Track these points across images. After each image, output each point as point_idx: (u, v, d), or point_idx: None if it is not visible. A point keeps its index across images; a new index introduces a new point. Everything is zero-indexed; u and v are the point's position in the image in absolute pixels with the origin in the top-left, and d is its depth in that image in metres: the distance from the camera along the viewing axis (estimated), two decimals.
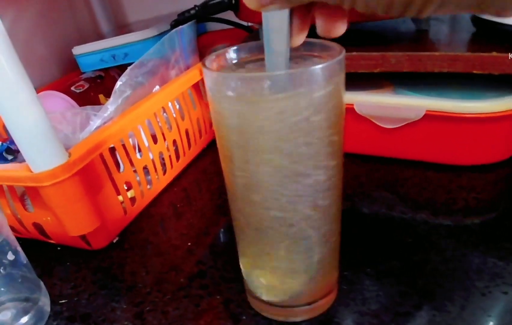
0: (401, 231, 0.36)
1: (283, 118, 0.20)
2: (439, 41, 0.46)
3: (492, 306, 0.28)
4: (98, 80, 0.66)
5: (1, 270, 0.29)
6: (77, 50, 0.67)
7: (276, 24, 0.20)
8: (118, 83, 0.40)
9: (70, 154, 0.33)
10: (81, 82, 0.64)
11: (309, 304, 0.29)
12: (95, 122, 0.38)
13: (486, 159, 0.42)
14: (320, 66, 0.20)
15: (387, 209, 0.39)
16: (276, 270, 0.27)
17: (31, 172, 0.33)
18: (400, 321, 0.28)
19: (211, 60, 0.24)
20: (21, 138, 0.31)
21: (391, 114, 0.42)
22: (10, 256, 0.29)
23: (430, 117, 0.41)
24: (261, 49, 0.22)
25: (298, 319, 0.29)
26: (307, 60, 0.24)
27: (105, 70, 0.68)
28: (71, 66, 0.71)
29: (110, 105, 0.39)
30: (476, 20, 0.44)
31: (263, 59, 0.22)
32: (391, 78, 0.46)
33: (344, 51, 0.22)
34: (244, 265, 0.30)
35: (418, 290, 0.30)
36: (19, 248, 0.31)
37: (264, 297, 0.29)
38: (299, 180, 0.22)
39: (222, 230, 0.40)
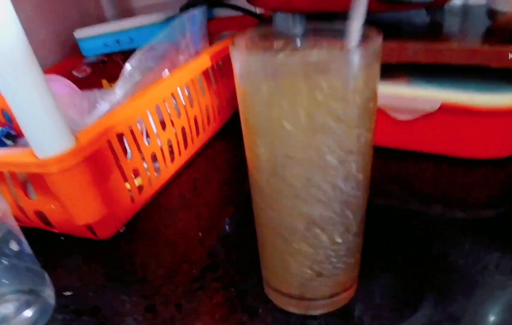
0: (416, 224, 0.34)
1: (317, 97, 0.19)
2: (453, 34, 0.44)
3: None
4: (101, 65, 0.64)
5: (5, 261, 0.27)
6: (80, 33, 0.65)
7: None
8: (127, 66, 0.38)
9: (77, 140, 0.32)
10: (84, 67, 0.62)
11: (329, 297, 0.27)
12: (103, 107, 0.36)
13: (501, 153, 0.41)
14: (357, 50, 0.18)
15: (400, 202, 0.38)
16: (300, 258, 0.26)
17: (36, 157, 0.31)
18: (418, 314, 0.27)
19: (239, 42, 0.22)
20: (25, 120, 0.29)
21: (406, 106, 0.41)
22: (14, 246, 0.28)
23: (446, 109, 0.39)
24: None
25: (317, 312, 0.28)
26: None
27: (108, 55, 0.66)
28: (72, 50, 0.69)
29: (119, 89, 0.37)
30: (491, 13, 0.42)
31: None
32: (406, 69, 0.44)
33: (381, 36, 0.20)
34: (264, 256, 0.29)
35: (434, 286, 0.28)
36: (23, 238, 0.29)
37: (284, 290, 0.28)
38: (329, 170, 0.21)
39: (233, 221, 0.39)
